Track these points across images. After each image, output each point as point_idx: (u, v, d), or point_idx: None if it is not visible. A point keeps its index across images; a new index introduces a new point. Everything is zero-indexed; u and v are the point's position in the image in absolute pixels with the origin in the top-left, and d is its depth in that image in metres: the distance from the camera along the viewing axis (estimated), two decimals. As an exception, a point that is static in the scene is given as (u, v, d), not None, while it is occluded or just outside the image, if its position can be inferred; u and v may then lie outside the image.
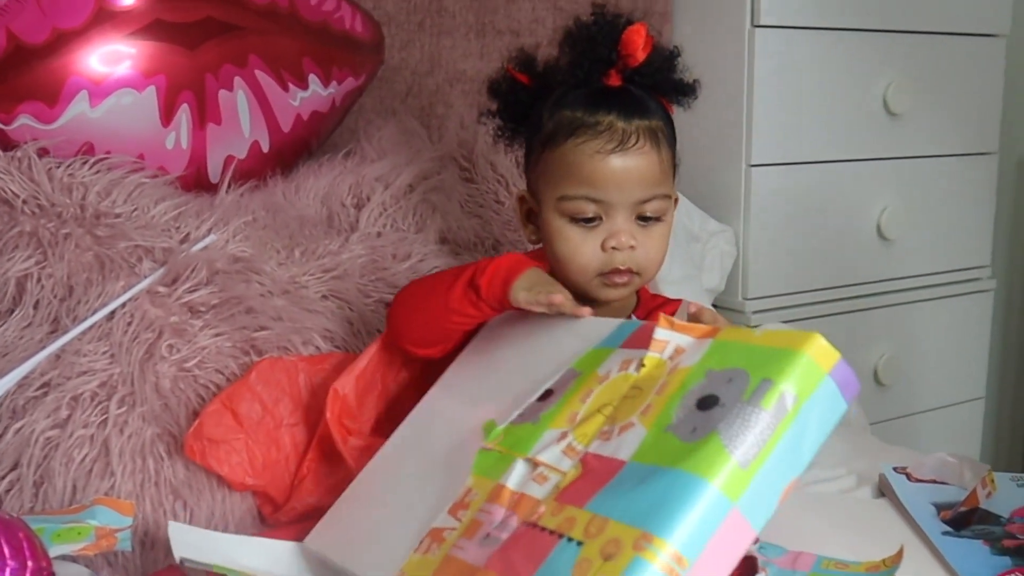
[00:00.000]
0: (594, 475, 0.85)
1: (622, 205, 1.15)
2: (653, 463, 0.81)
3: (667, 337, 0.93)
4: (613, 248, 1.16)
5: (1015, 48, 2.21)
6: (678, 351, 0.92)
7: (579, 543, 0.79)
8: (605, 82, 1.18)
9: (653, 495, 0.78)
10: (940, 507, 1.24)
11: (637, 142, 1.15)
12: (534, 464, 0.91)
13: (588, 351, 1.01)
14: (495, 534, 0.87)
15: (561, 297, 1.07)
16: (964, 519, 1.21)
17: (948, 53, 2.10)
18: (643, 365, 0.92)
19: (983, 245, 2.25)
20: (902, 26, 2.02)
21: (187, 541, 1.05)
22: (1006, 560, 1.11)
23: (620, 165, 1.14)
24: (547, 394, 0.99)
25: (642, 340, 0.95)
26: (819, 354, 0.82)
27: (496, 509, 0.90)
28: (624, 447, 0.85)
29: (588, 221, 1.17)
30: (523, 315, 1.13)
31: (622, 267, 1.17)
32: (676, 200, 1.25)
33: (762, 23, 1.88)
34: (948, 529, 1.19)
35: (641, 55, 1.17)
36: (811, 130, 1.97)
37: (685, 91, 1.23)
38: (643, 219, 1.17)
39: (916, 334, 2.16)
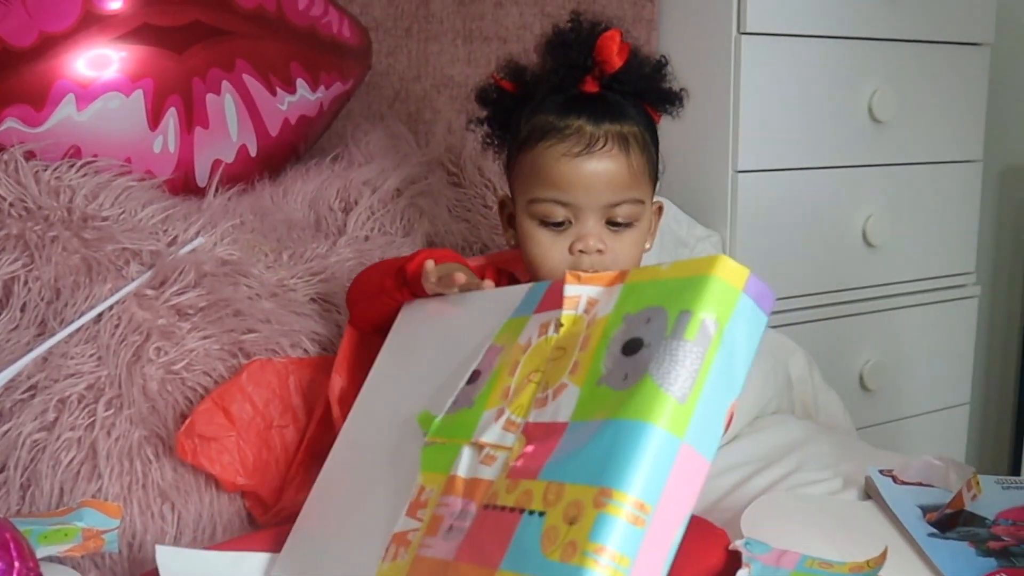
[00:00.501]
0: (539, 444, 0.85)
1: (590, 209, 1.15)
2: (593, 419, 0.81)
3: (577, 292, 0.93)
4: (581, 251, 1.16)
5: (999, 57, 2.22)
6: (591, 303, 0.91)
7: (541, 513, 0.79)
8: (582, 88, 1.18)
9: (601, 450, 0.78)
10: (926, 509, 1.24)
11: (604, 146, 1.15)
12: (479, 447, 0.90)
13: (504, 323, 1.01)
14: (458, 524, 0.87)
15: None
16: (949, 521, 1.21)
17: (933, 61, 2.11)
18: (561, 324, 0.92)
19: (968, 252, 2.26)
20: (887, 34, 2.03)
21: (177, 567, 1.05)
22: (991, 561, 1.12)
23: (586, 168, 1.14)
24: (475, 375, 0.98)
25: (554, 301, 0.95)
26: (729, 274, 0.82)
27: (453, 500, 0.89)
28: (562, 409, 0.85)
29: (557, 224, 1.17)
30: (437, 306, 1.14)
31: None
32: (661, 208, 1.25)
33: (748, 30, 1.88)
34: (934, 531, 1.19)
35: (617, 61, 1.17)
36: (797, 137, 1.98)
37: (669, 99, 1.23)
38: (614, 224, 1.17)
39: (902, 340, 2.16)
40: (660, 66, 1.22)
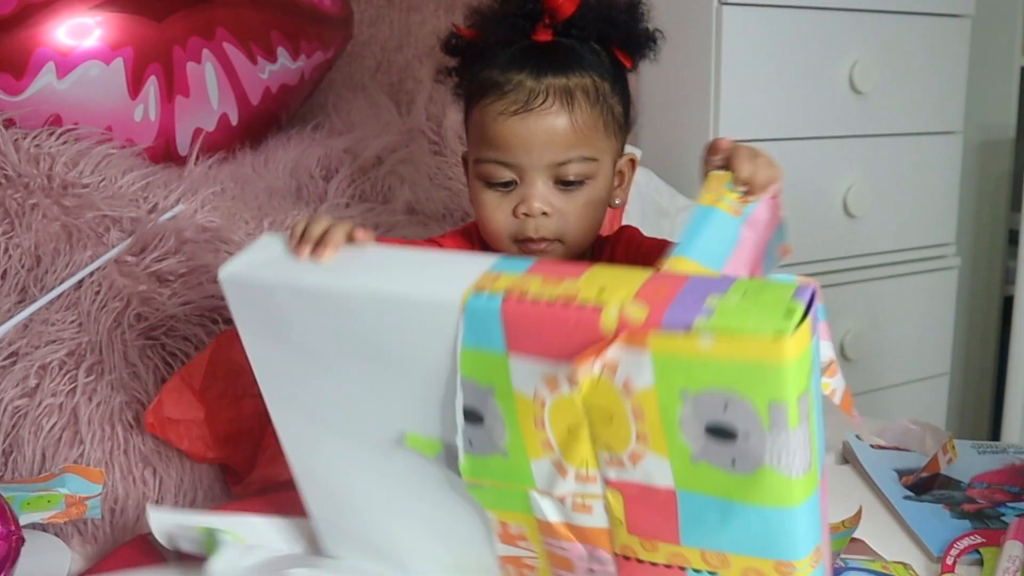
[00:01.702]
0: (647, 504, 0.80)
1: (535, 169, 1.08)
2: (715, 495, 0.76)
3: (591, 368, 0.76)
4: (525, 215, 1.09)
5: (979, 28, 2.22)
6: (607, 366, 0.76)
7: (711, 573, 0.79)
8: (533, 37, 1.11)
9: (751, 529, 0.76)
10: (902, 473, 1.26)
11: (544, 102, 1.08)
12: (559, 499, 0.83)
13: (460, 353, 0.81)
14: (599, 569, 0.85)
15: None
16: (925, 484, 1.23)
17: (913, 32, 2.11)
18: (576, 383, 0.76)
19: (948, 223, 2.27)
20: (868, 5, 2.03)
21: (168, 523, 1.03)
22: (965, 523, 1.13)
23: (523, 127, 1.08)
24: (474, 417, 0.83)
25: (529, 341, 0.78)
26: (798, 344, 0.70)
27: (569, 545, 0.85)
28: (655, 474, 0.78)
29: (504, 185, 1.11)
30: (297, 288, 0.90)
31: (535, 235, 1.10)
32: (633, 160, 1.18)
33: (729, 1, 1.88)
34: (909, 494, 1.21)
35: (568, 6, 1.10)
36: (778, 107, 1.98)
37: (638, 41, 1.15)
38: (565, 183, 1.09)
39: (882, 310, 2.18)
40: (633, 6, 1.15)
